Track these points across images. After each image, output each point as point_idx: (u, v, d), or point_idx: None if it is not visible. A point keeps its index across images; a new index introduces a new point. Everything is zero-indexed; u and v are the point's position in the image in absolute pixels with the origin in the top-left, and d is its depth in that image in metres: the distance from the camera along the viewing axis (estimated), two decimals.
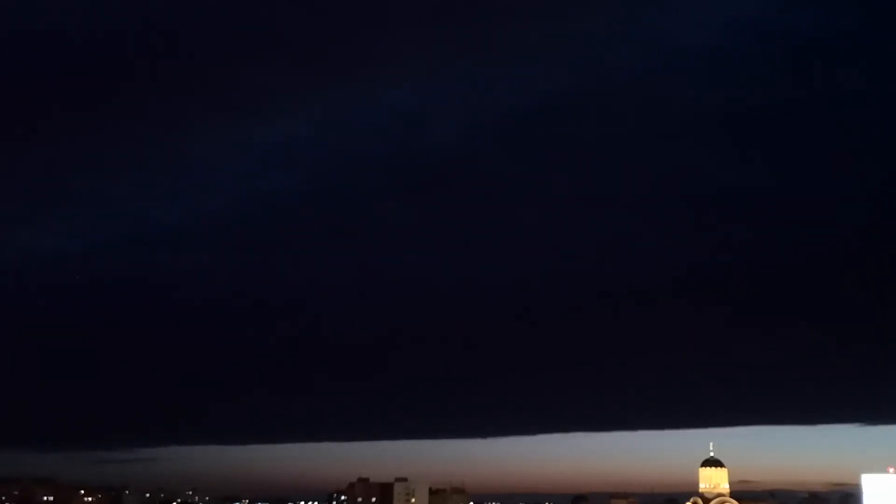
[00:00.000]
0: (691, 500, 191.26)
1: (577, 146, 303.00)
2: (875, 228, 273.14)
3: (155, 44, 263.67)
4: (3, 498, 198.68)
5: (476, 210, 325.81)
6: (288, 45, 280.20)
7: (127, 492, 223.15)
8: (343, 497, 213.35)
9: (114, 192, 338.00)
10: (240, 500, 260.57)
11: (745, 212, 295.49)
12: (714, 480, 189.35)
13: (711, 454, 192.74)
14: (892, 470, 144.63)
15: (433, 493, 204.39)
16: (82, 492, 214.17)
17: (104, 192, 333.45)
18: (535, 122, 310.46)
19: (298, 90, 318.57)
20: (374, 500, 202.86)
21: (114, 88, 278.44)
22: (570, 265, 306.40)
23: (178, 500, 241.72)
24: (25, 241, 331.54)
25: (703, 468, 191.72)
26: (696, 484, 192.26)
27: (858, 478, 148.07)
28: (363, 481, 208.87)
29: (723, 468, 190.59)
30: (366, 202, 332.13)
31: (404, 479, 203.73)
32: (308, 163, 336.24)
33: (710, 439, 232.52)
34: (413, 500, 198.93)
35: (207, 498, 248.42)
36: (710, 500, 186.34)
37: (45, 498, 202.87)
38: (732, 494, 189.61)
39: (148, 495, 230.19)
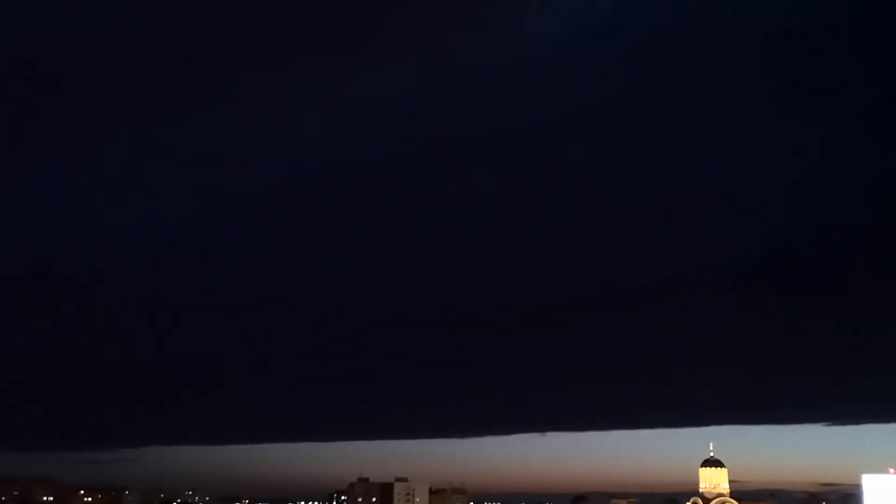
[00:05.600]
0: (691, 500, 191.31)
1: (448, 142, 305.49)
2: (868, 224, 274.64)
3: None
4: (3, 498, 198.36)
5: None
6: (171, 46, 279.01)
7: (127, 492, 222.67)
8: (343, 497, 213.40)
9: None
10: (240, 500, 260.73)
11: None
12: (714, 480, 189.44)
13: (711, 454, 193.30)
14: (892, 470, 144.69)
15: (433, 493, 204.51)
16: (82, 492, 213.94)
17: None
18: (401, 119, 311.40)
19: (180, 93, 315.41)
20: (374, 500, 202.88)
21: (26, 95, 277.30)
22: (564, 265, 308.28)
23: (178, 500, 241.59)
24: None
25: (703, 468, 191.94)
26: (696, 484, 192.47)
27: (858, 478, 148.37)
28: (363, 481, 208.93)
29: (723, 468, 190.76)
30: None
31: (404, 479, 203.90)
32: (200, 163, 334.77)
33: (710, 439, 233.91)
34: (413, 501, 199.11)
35: (207, 498, 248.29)
36: (710, 500, 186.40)
37: (45, 498, 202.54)
38: (732, 494, 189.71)
39: (148, 495, 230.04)
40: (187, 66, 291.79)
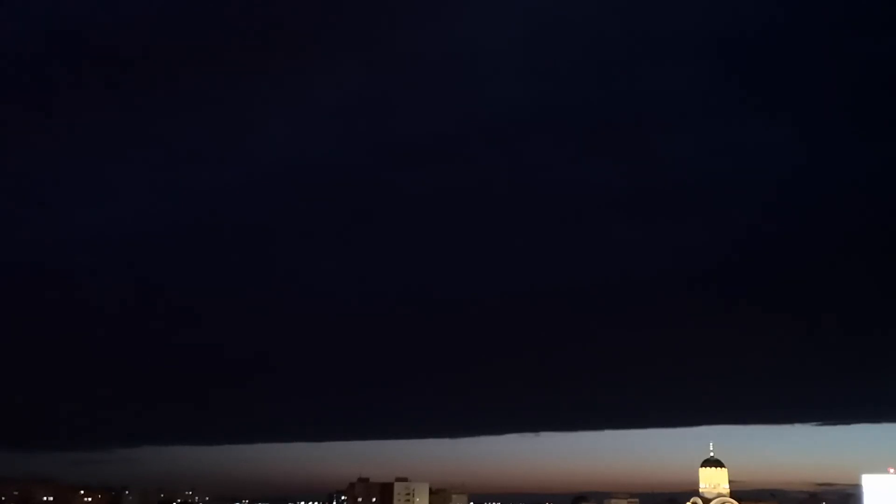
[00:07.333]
0: (691, 500, 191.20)
1: (408, 145, 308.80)
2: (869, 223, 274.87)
3: None
4: (3, 498, 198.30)
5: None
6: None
7: (127, 492, 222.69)
8: (343, 497, 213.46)
9: None
10: (240, 501, 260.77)
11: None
12: (714, 480, 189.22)
13: (711, 454, 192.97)
14: (892, 470, 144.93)
15: (433, 493, 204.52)
16: (82, 492, 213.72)
17: None
18: (361, 120, 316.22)
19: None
20: (374, 500, 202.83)
21: None
22: (564, 267, 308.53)
23: (178, 500, 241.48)
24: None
25: (703, 468, 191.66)
26: (696, 484, 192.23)
27: (858, 478, 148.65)
28: (363, 481, 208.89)
29: (723, 468, 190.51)
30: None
31: (404, 479, 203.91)
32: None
33: (710, 439, 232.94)
34: (413, 501, 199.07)
35: (207, 498, 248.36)
36: (710, 500, 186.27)
37: (45, 498, 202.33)
38: (732, 494, 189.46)
39: (148, 495, 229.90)
40: (163, 65, 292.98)
